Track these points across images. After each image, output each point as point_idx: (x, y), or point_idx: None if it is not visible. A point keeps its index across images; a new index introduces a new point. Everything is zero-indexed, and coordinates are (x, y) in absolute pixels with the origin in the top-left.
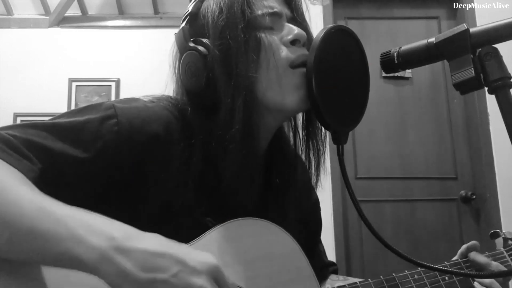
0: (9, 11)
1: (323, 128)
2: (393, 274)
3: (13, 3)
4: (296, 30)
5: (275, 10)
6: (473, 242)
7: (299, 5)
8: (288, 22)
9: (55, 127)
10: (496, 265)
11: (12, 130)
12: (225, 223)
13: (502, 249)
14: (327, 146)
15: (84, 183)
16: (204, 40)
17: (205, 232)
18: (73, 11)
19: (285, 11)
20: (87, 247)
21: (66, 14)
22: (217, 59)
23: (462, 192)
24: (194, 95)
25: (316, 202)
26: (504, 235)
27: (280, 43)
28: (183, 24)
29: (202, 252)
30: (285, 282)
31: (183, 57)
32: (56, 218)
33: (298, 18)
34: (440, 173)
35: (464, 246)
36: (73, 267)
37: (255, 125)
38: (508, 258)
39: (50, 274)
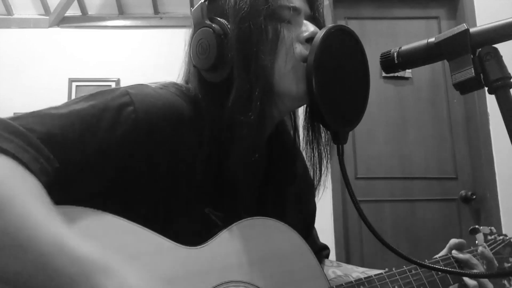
0: (9, 11)
1: (325, 134)
2: (394, 269)
3: (13, 3)
4: (312, 28)
5: (296, 5)
6: (455, 242)
7: (320, 5)
8: (306, 19)
9: (72, 115)
10: (476, 261)
11: (27, 121)
12: (235, 223)
13: (484, 243)
14: (329, 152)
15: (101, 175)
16: (222, 20)
17: (216, 234)
18: (73, 11)
19: (305, 8)
20: None
21: (66, 14)
22: (235, 43)
23: (462, 192)
24: (201, 73)
25: (311, 186)
26: (482, 231)
27: (296, 39)
28: (202, 0)
29: None
30: (298, 280)
31: (196, 32)
32: (72, 257)
33: (319, 18)
34: (440, 173)
35: (451, 242)
36: None
37: (268, 114)
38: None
39: None
